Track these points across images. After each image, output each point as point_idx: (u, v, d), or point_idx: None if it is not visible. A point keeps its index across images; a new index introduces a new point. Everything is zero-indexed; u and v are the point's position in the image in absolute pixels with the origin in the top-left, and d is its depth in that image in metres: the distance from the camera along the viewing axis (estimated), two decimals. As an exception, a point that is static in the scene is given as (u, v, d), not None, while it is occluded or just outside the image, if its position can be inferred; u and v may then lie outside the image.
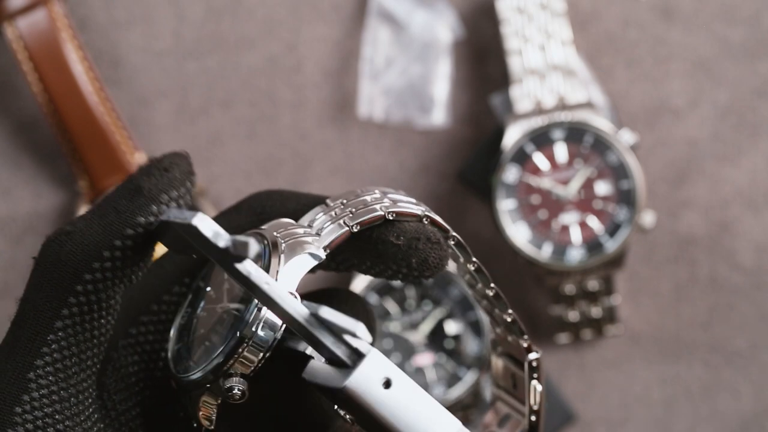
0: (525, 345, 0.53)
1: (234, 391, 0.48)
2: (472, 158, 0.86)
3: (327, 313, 0.46)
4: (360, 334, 0.46)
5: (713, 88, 0.87)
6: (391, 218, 0.49)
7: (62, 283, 0.47)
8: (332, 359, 0.48)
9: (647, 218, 0.83)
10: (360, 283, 0.86)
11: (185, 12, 0.86)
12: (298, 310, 0.46)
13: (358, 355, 0.48)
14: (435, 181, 0.87)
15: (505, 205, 0.83)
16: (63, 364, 0.48)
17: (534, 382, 0.53)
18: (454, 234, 0.50)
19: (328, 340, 0.47)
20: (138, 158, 0.85)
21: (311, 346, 0.48)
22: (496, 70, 0.87)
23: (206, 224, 0.45)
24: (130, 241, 0.48)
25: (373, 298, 0.86)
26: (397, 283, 0.87)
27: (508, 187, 0.83)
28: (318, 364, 0.49)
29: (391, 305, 0.87)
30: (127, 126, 0.85)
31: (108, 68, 0.86)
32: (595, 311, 0.86)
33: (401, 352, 0.87)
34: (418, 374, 0.87)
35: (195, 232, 0.45)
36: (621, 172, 0.83)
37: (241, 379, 0.49)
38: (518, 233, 0.83)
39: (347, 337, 0.47)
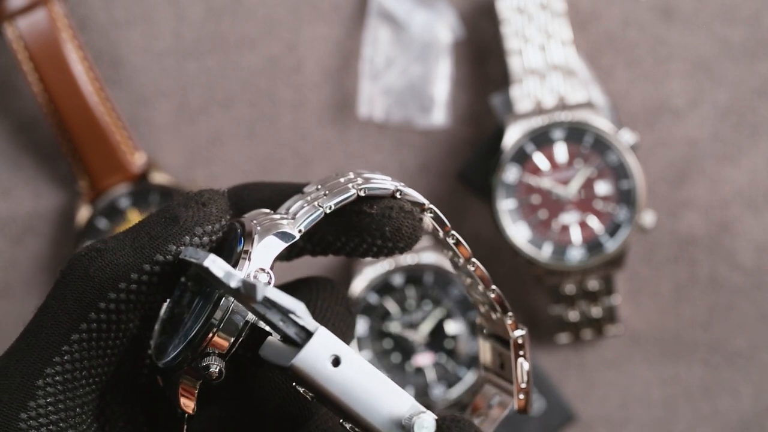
0: (510, 322, 0.53)
1: (211, 369, 0.49)
2: (472, 158, 0.86)
3: (272, 293, 0.47)
4: (300, 314, 0.47)
5: (713, 88, 0.87)
6: (363, 194, 0.49)
7: (86, 298, 0.48)
8: (286, 338, 0.48)
9: (647, 218, 0.83)
10: (360, 283, 0.86)
11: (185, 12, 0.86)
12: (252, 293, 0.47)
13: (306, 334, 0.49)
14: (435, 181, 0.87)
15: (505, 205, 0.83)
16: (72, 375, 0.48)
17: (520, 360, 0.53)
18: (431, 206, 0.50)
19: (277, 320, 0.48)
20: (138, 158, 0.85)
21: (267, 326, 0.48)
22: (496, 70, 0.87)
23: (218, 265, 0.46)
24: (159, 267, 0.48)
25: (373, 298, 0.86)
26: (397, 282, 0.86)
27: (508, 187, 0.84)
28: (273, 341, 0.49)
29: (391, 305, 0.87)
30: (127, 126, 0.85)
31: (108, 68, 0.86)
32: (595, 311, 0.86)
33: (401, 352, 0.87)
34: (418, 374, 0.87)
35: (207, 272, 0.46)
36: (621, 172, 0.83)
37: (218, 358, 0.49)
38: (518, 233, 0.83)
39: (295, 317, 0.48)
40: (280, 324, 0.49)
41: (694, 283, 0.88)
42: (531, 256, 0.83)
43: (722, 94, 0.87)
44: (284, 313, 0.48)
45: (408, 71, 0.86)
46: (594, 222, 0.84)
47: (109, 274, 0.48)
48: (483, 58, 0.87)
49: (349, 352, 0.49)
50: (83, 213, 0.85)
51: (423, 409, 0.50)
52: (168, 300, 0.51)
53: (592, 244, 0.84)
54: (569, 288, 0.85)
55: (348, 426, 0.50)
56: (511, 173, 0.83)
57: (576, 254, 0.83)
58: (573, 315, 0.86)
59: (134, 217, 0.85)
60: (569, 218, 0.84)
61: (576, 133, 0.83)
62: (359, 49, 0.87)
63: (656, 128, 0.87)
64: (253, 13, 0.87)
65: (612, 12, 0.87)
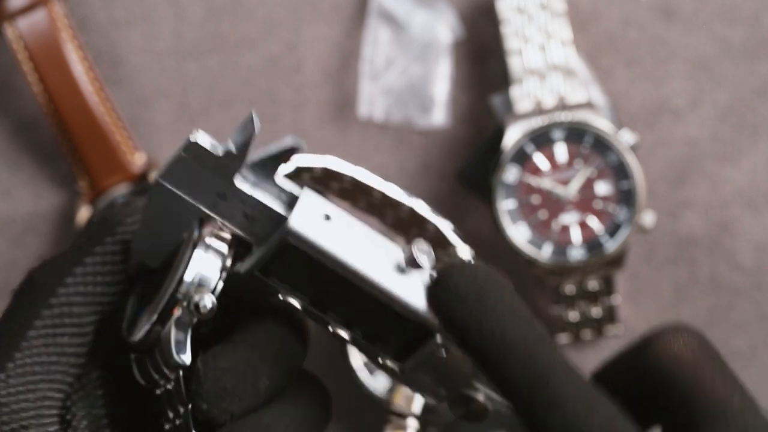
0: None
1: (202, 304, 0.50)
2: (472, 158, 0.86)
3: (256, 155, 0.50)
4: (293, 144, 0.50)
5: (713, 88, 0.87)
6: None
7: (38, 299, 0.51)
8: (273, 212, 0.51)
9: (647, 218, 0.83)
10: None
11: (185, 12, 0.86)
12: (238, 158, 0.51)
13: (293, 198, 0.51)
14: (435, 181, 0.87)
15: (505, 205, 0.83)
16: (32, 370, 0.51)
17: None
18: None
19: (263, 193, 0.51)
20: (138, 158, 0.85)
21: (257, 197, 0.51)
22: (496, 70, 0.87)
23: (203, 138, 0.51)
24: (100, 258, 0.52)
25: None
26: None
27: (508, 187, 0.84)
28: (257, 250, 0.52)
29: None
30: (127, 126, 0.85)
31: (108, 68, 0.86)
32: (595, 311, 0.86)
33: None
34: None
35: (194, 147, 0.50)
36: (621, 172, 0.83)
37: (209, 293, 0.51)
38: (518, 233, 0.83)
39: (279, 180, 0.51)
40: (267, 195, 0.51)
41: (694, 284, 0.88)
42: (531, 256, 0.83)
43: (722, 94, 0.87)
44: (269, 176, 0.51)
45: (408, 71, 0.86)
46: (594, 222, 0.84)
47: (54, 273, 0.52)
48: (483, 58, 0.87)
49: (335, 208, 0.51)
50: (83, 213, 0.85)
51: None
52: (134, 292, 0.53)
53: (592, 244, 0.84)
54: (569, 288, 0.85)
55: (341, 291, 0.51)
56: (511, 173, 0.83)
57: (576, 254, 0.83)
58: (573, 315, 0.86)
59: (134, 217, 0.85)
60: (569, 218, 0.84)
61: (576, 134, 0.83)
62: (359, 49, 0.87)
63: (656, 128, 0.87)
64: (253, 13, 0.87)
65: (612, 12, 0.87)
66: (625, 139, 0.83)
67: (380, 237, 0.52)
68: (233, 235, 0.52)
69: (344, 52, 0.87)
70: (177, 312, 0.51)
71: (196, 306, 0.50)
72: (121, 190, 0.85)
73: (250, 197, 0.51)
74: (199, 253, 0.51)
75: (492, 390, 0.54)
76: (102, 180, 0.84)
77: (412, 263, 0.51)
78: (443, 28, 0.86)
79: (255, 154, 0.52)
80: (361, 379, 0.82)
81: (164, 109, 0.87)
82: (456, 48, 0.87)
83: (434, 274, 0.52)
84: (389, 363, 0.53)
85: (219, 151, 0.51)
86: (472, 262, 0.52)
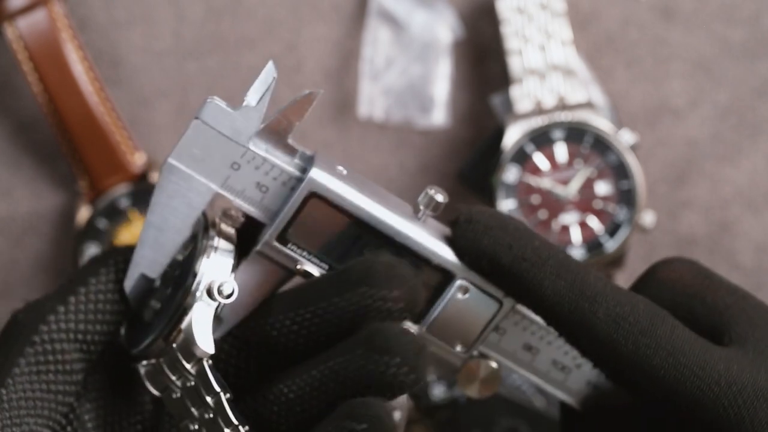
0: None
1: (224, 287, 0.51)
2: (472, 158, 0.86)
3: (269, 118, 0.51)
4: (308, 92, 0.51)
5: (713, 88, 0.87)
6: None
7: (21, 337, 0.53)
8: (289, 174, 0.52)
9: (647, 218, 0.83)
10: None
11: (185, 12, 0.86)
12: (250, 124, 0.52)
13: (306, 159, 0.52)
14: (435, 181, 0.87)
15: (505, 205, 0.83)
16: (18, 404, 0.52)
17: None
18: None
19: (276, 156, 0.51)
20: (138, 158, 0.85)
21: (271, 159, 0.52)
22: (496, 70, 0.87)
23: (220, 101, 0.52)
24: (84, 297, 0.53)
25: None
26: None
27: (508, 187, 0.84)
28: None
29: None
30: (127, 126, 0.85)
31: (108, 68, 0.86)
32: (595, 311, 0.86)
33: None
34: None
35: (213, 107, 0.51)
36: (621, 172, 0.83)
37: (229, 278, 0.51)
38: (518, 233, 0.83)
39: (291, 142, 0.51)
40: (281, 160, 0.51)
41: (694, 283, 0.88)
42: (531, 256, 0.83)
43: (722, 94, 0.87)
44: (282, 140, 0.51)
45: (408, 71, 0.86)
46: (594, 222, 0.84)
47: (36, 312, 0.53)
48: (483, 58, 0.87)
49: (347, 167, 0.52)
50: (83, 213, 0.85)
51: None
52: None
53: (592, 244, 0.84)
54: (569, 288, 0.85)
55: (362, 245, 0.51)
56: (511, 173, 0.84)
57: (576, 254, 0.83)
58: (573, 315, 0.86)
59: (134, 217, 0.85)
60: (569, 218, 0.84)
61: (576, 133, 0.83)
62: (359, 49, 0.87)
63: (656, 128, 0.87)
64: (253, 13, 0.87)
65: (612, 12, 0.87)
66: (625, 139, 0.83)
67: (389, 193, 0.53)
68: (245, 216, 0.52)
69: (344, 52, 0.87)
70: (196, 302, 0.51)
71: (219, 291, 0.51)
72: (121, 190, 0.85)
73: (266, 161, 0.51)
74: (210, 253, 0.51)
75: (502, 355, 0.54)
76: (102, 180, 0.84)
77: (430, 205, 0.52)
78: (443, 28, 0.86)
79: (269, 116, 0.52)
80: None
81: (164, 109, 0.87)
82: (456, 48, 0.87)
83: (451, 220, 0.53)
84: (408, 326, 0.53)
85: (236, 109, 0.51)
86: None
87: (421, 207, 0.53)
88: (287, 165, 0.52)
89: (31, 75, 0.83)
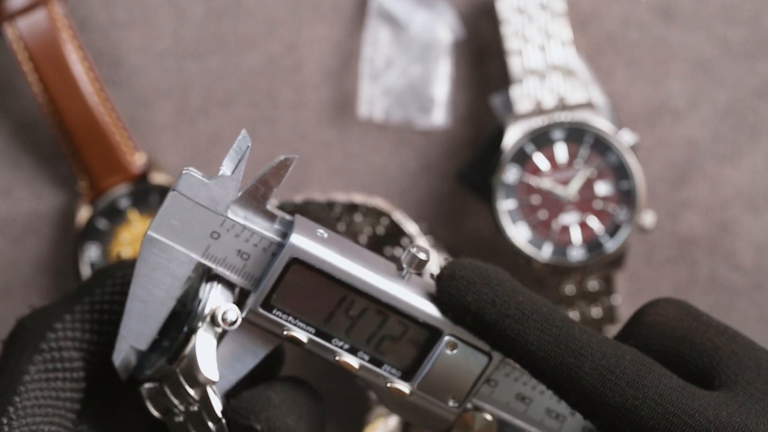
0: None
1: (228, 315, 0.51)
2: (472, 158, 0.86)
3: (239, 199, 0.51)
4: (284, 157, 0.51)
5: (713, 88, 0.87)
6: None
7: (30, 344, 0.53)
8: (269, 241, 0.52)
9: (647, 218, 0.83)
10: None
11: (185, 12, 0.86)
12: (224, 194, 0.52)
13: (286, 224, 0.52)
14: (435, 181, 0.87)
15: (505, 206, 0.83)
16: (32, 412, 0.52)
17: None
18: None
19: (259, 229, 0.51)
20: (138, 158, 0.85)
21: (252, 227, 0.52)
22: (496, 70, 0.87)
23: (192, 173, 0.52)
24: (88, 306, 0.54)
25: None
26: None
27: (508, 188, 0.84)
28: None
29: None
30: (127, 126, 0.85)
31: (108, 69, 0.86)
32: (595, 311, 0.86)
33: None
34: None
35: (187, 176, 0.51)
36: (621, 173, 0.83)
37: (234, 306, 0.52)
38: (518, 233, 0.83)
39: (270, 208, 0.52)
40: (260, 227, 0.51)
41: (694, 284, 0.88)
42: (531, 257, 0.83)
43: (722, 95, 0.87)
44: (260, 206, 0.52)
45: (408, 71, 0.86)
46: (594, 222, 0.84)
47: (44, 320, 0.53)
48: (483, 58, 0.87)
49: (326, 229, 0.53)
50: (83, 213, 0.85)
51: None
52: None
53: (592, 245, 0.84)
54: (569, 288, 0.85)
55: (347, 307, 0.51)
56: (511, 173, 0.83)
57: (576, 254, 0.83)
58: (573, 315, 0.86)
59: (134, 218, 0.85)
60: (569, 218, 0.84)
61: (576, 134, 0.83)
62: (359, 49, 0.87)
63: (656, 128, 0.87)
64: (253, 13, 0.87)
65: (612, 12, 0.87)
66: (625, 139, 0.83)
67: (371, 252, 0.53)
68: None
69: (344, 52, 0.87)
70: (200, 330, 0.51)
71: (223, 318, 0.51)
72: (121, 191, 0.85)
73: (245, 228, 0.51)
74: (214, 283, 0.52)
75: (495, 407, 0.54)
76: (102, 180, 0.84)
77: (413, 264, 0.52)
78: (443, 28, 0.86)
79: (247, 182, 0.52)
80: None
81: (164, 109, 0.87)
82: (456, 48, 0.87)
83: (434, 274, 0.53)
84: (398, 385, 0.53)
85: (212, 179, 0.51)
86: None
87: (405, 265, 0.53)
88: (267, 231, 0.52)
89: (31, 75, 0.83)
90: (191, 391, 0.51)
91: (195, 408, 0.51)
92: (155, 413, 0.53)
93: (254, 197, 0.52)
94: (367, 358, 0.53)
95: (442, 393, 0.54)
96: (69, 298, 0.54)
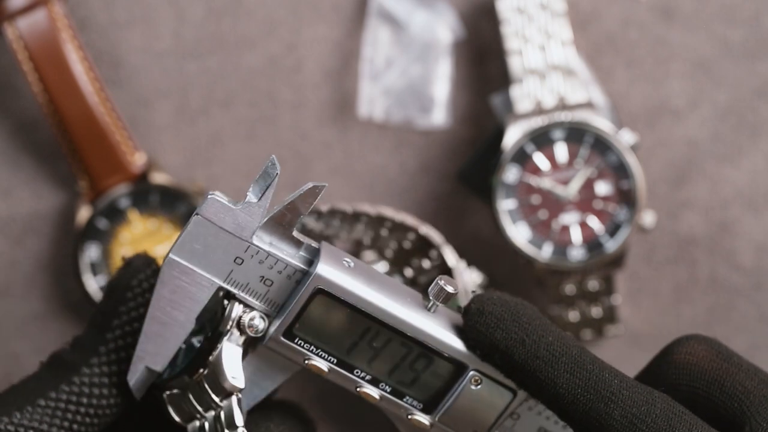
0: None
1: (255, 322, 0.51)
2: (472, 158, 0.86)
3: (267, 219, 0.50)
4: (313, 185, 0.50)
5: (713, 88, 0.87)
6: None
7: (57, 376, 0.53)
8: (294, 267, 0.51)
9: (647, 218, 0.83)
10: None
11: (185, 12, 0.86)
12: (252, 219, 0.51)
13: (312, 251, 0.51)
14: (435, 181, 0.87)
15: (505, 205, 0.83)
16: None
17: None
18: None
19: (284, 256, 0.50)
20: (138, 158, 0.85)
21: (277, 253, 0.51)
22: (496, 70, 0.87)
23: (218, 196, 0.51)
24: (119, 332, 0.53)
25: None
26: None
27: (509, 187, 0.83)
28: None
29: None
30: (127, 126, 0.85)
31: (108, 68, 0.86)
32: (595, 311, 0.86)
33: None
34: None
35: (212, 201, 0.50)
36: (621, 172, 0.83)
37: (260, 314, 0.51)
38: (518, 233, 0.83)
39: (296, 234, 0.51)
40: (285, 253, 0.50)
41: (694, 284, 0.88)
42: (531, 256, 0.83)
43: (722, 94, 0.87)
44: (287, 233, 0.50)
45: (408, 71, 0.86)
46: (594, 222, 0.84)
47: (79, 353, 0.53)
48: (483, 58, 0.87)
49: (353, 258, 0.52)
50: (83, 213, 0.85)
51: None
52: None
53: (592, 244, 0.84)
54: (569, 288, 0.85)
55: (371, 338, 0.50)
56: (511, 173, 0.83)
57: (576, 254, 0.83)
58: (573, 315, 0.86)
59: (134, 217, 0.85)
60: (569, 218, 0.84)
61: (576, 134, 0.83)
62: (359, 49, 0.87)
63: (656, 128, 0.87)
64: (253, 13, 0.87)
65: (612, 12, 0.87)
66: (625, 139, 0.83)
67: (398, 282, 0.52)
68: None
69: (344, 52, 0.87)
70: (225, 339, 0.50)
71: (250, 325, 0.50)
72: (121, 190, 0.85)
73: (269, 255, 0.50)
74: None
75: None
76: (102, 180, 0.84)
77: (440, 297, 0.51)
78: (443, 28, 0.86)
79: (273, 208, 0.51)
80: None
81: (164, 109, 0.87)
82: (456, 48, 0.87)
83: (462, 307, 0.52)
84: (419, 417, 0.52)
85: (238, 204, 0.50)
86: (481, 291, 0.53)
87: (431, 297, 0.52)
88: (292, 258, 0.51)
89: (31, 75, 0.83)
90: (216, 399, 0.50)
91: (216, 414, 0.51)
92: (177, 419, 0.52)
93: (280, 223, 0.51)
94: (388, 389, 0.52)
95: (464, 427, 0.53)
96: (97, 326, 0.53)
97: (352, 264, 0.51)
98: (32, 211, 0.87)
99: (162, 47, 0.86)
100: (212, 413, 0.51)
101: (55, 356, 0.53)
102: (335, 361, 0.51)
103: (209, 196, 0.50)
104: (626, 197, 0.83)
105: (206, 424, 0.51)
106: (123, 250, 0.84)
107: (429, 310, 0.52)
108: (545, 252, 0.83)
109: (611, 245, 0.83)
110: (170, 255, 0.50)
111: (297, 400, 0.55)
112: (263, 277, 0.51)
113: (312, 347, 0.51)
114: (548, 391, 0.50)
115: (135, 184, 0.85)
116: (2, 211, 0.87)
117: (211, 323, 0.51)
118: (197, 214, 0.50)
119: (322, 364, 0.51)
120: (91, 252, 0.84)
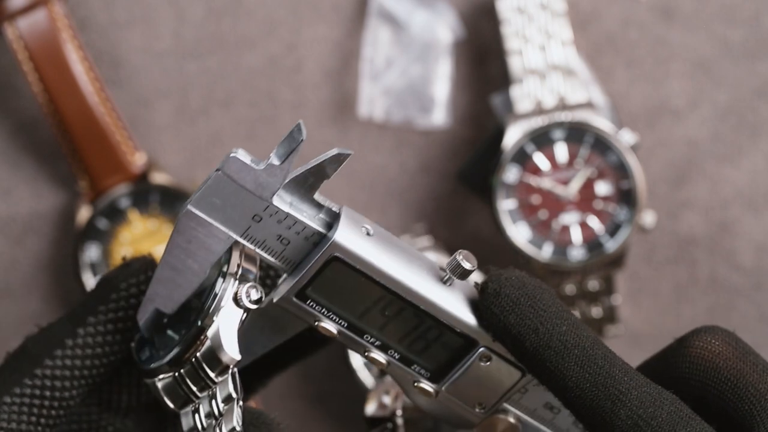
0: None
1: (251, 292, 0.50)
2: (472, 158, 0.86)
3: (292, 176, 0.50)
4: (339, 151, 0.50)
5: (713, 88, 0.87)
6: None
7: (23, 369, 0.52)
8: (313, 230, 0.51)
9: (647, 218, 0.83)
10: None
11: (185, 12, 0.86)
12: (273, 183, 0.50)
13: (332, 215, 0.51)
14: (435, 181, 0.87)
15: (506, 205, 0.83)
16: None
17: None
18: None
19: (303, 218, 0.50)
20: (138, 158, 0.85)
21: (296, 215, 0.50)
22: (496, 70, 0.87)
23: (242, 154, 0.50)
24: (93, 329, 0.53)
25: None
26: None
27: (509, 187, 0.83)
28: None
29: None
30: (127, 126, 0.85)
31: (108, 68, 0.86)
32: (596, 311, 0.86)
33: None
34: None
35: (234, 160, 0.49)
36: (621, 172, 0.83)
37: (255, 285, 0.51)
38: (518, 233, 0.83)
39: (317, 197, 0.50)
40: (305, 214, 0.50)
41: (694, 284, 0.88)
42: (531, 256, 0.83)
43: (722, 94, 0.87)
44: (307, 195, 0.50)
45: (408, 71, 0.86)
46: (594, 222, 0.84)
47: (45, 344, 0.52)
48: (483, 58, 0.87)
49: (373, 224, 0.51)
50: (83, 213, 0.85)
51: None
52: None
53: (592, 244, 0.84)
54: (569, 288, 0.85)
55: (384, 306, 0.50)
56: (511, 173, 0.83)
57: (576, 254, 0.83)
58: (573, 315, 0.86)
59: (134, 217, 0.85)
60: (569, 218, 0.84)
61: (576, 134, 0.83)
62: (359, 49, 0.87)
63: (656, 128, 0.87)
64: (253, 13, 0.87)
65: (612, 12, 0.87)
66: (625, 139, 0.83)
67: (417, 251, 0.52)
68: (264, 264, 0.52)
69: (344, 52, 0.87)
70: (222, 311, 0.50)
71: (247, 296, 0.50)
72: (121, 190, 0.85)
73: (288, 216, 0.50)
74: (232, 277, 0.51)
75: (522, 411, 0.54)
76: (102, 180, 0.84)
77: (457, 272, 0.51)
78: (443, 28, 0.86)
79: (293, 171, 0.51)
80: (362, 380, 0.82)
81: (164, 109, 0.87)
82: (456, 48, 0.87)
83: (479, 283, 0.52)
84: (424, 385, 0.52)
85: (261, 165, 0.50)
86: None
87: (448, 271, 0.52)
88: (311, 221, 0.51)
89: (31, 75, 0.83)
90: (212, 374, 0.50)
91: (212, 392, 0.50)
92: (171, 406, 0.52)
93: (303, 185, 0.51)
94: (397, 356, 0.52)
95: (470, 399, 0.53)
96: (72, 317, 0.53)
97: (371, 230, 0.51)
98: (32, 211, 0.87)
99: (162, 47, 0.86)
100: (208, 392, 0.51)
101: (22, 346, 0.53)
102: (346, 325, 0.51)
103: (231, 155, 0.50)
104: (626, 197, 0.83)
105: (201, 406, 0.51)
106: (123, 250, 0.84)
107: (445, 282, 0.52)
108: (545, 252, 0.83)
109: (611, 245, 0.83)
110: (188, 206, 0.50)
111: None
112: (280, 236, 0.51)
113: (324, 309, 0.51)
114: (556, 381, 0.50)
115: (135, 184, 0.85)
116: (2, 211, 0.87)
117: (204, 303, 0.51)
118: (218, 170, 0.50)
119: (332, 327, 0.51)
120: (91, 252, 0.84)
